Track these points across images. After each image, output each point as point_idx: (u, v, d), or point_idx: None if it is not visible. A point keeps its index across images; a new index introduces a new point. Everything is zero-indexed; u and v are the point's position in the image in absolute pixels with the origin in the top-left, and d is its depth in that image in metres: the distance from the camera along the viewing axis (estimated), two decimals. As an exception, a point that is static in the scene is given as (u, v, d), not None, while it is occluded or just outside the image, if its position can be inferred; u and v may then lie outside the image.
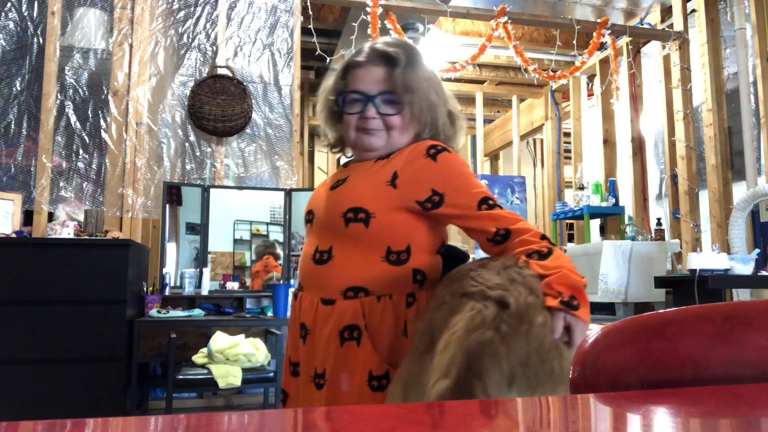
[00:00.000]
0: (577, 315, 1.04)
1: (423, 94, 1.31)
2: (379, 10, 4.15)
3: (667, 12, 5.02)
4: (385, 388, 1.17)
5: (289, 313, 1.46)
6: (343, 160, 1.49)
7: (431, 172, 1.23)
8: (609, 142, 5.47)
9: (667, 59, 4.91)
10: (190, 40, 3.81)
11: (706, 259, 3.56)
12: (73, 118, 3.52)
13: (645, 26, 5.11)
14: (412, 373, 1.08)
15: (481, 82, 6.79)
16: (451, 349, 0.98)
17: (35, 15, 3.53)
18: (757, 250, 3.73)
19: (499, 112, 7.80)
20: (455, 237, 7.91)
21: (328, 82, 1.40)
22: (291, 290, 1.38)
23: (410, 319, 1.22)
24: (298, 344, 1.29)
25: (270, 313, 3.34)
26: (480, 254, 1.29)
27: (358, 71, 1.32)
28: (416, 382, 1.05)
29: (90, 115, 3.55)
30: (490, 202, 1.22)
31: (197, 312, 3.20)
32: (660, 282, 3.99)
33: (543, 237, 1.19)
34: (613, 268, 4.26)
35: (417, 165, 1.24)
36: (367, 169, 1.29)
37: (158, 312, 3.08)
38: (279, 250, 3.77)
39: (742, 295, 4.02)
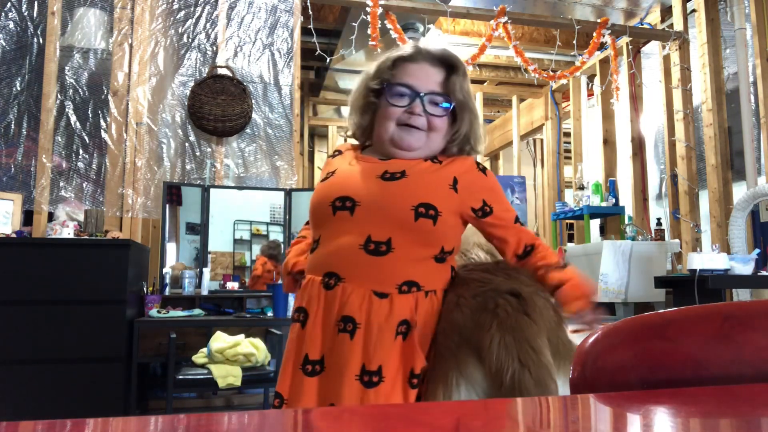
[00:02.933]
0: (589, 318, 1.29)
1: (469, 101, 1.35)
2: (379, 10, 4.15)
3: (667, 12, 5.02)
4: (418, 386, 1.18)
5: (292, 309, 1.34)
6: (338, 144, 1.50)
7: (484, 185, 1.33)
8: (609, 142, 5.47)
9: (667, 59, 4.91)
10: (190, 40, 3.81)
11: (706, 259, 3.55)
12: (73, 118, 3.52)
13: (645, 26, 5.11)
14: (452, 369, 1.17)
15: (481, 82, 6.79)
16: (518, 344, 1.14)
17: (35, 15, 3.53)
18: (757, 250, 3.73)
19: (499, 112, 7.80)
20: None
21: (369, 69, 1.40)
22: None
23: None
24: (332, 338, 1.21)
25: (270, 313, 3.34)
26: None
27: (411, 66, 1.32)
28: (463, 375, 1.16)
29: (90, 115, 3.55)
30: (520, 219, 1.37)
31: (197, 312, 3.20)
32: (660, 282, 3.98)
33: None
34: (613, 268, 4.26)
35: (472, 175, 1.32)
36: (423, 169, 1.31)
37: (158, 312, 3.08)
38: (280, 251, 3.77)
39: (742, 295, 4.02)
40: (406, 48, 1.36)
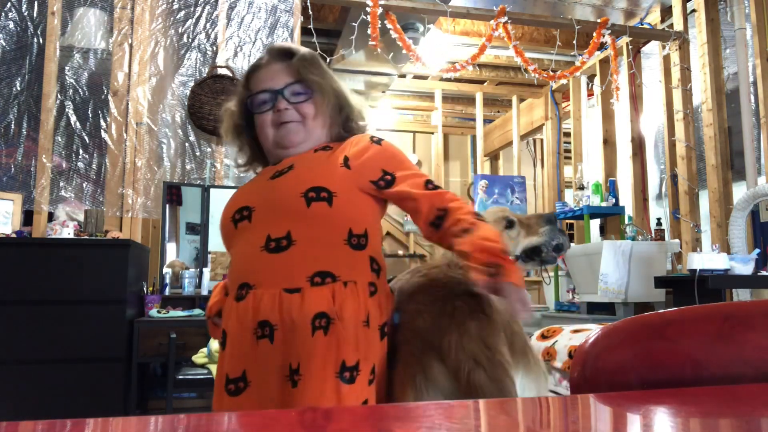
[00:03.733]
0: (499, 279, 1.11)
1: (328, 79, 1.35)
2: (379, 10, 4.14)
3: (667, 12, 5.02)
4: (356, 380, 1.13)
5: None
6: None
7: (380, 156, 1.28)
8: (609, 142, 5.47)
9: (667, 59, 4.91)
10: (190, 40, 3.81)
11: (706, 259, 3.55)
12: (73, 118, 3.52)
13: (645, 26, 5.11)
14: (418, 373, 1.19)
15: (481, 82, 6.78)
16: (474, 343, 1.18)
17: (35, 15, 3.53)
18: (757, 250, 3.73)
19: (499, 112, 7.80)
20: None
21: (229, 103, 1.43)
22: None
23: (372, 310, 1.20)
24: (253, 348, 1.16)
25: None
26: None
27: (259, 73, 1.34)
28: (428, 379, 1.18)
29: (90, 115, 3.55)
30: (434, 182, 1.29)
31: (197, 312, 3.20)
32: (660, 282, 3.98)
33: (475, 214, 1.25)
34: (613, 268, 4.26)
35: (364, 149, 1.28)
36: (311, 157, 1.30)
37: (158, 312, 3.08)
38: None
39: (742, 295, 4.02)
40: (254, 62, 1.38)
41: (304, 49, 1.37)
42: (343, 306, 1.16)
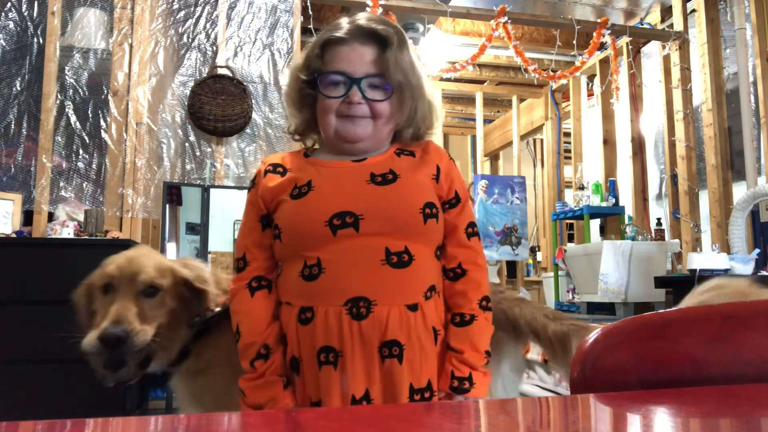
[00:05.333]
0: (467, 396, 1.12)
1: (414, 81, 1.20)
2: (379, 10, 4.14)
3: (667, 12, 5.02)
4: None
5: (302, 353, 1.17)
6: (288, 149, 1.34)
7: (459, 178, 1.25)
8: (609, 142, 5.47)
9: (667, 59, 4.91)
10: (190, 40, 3.81)
11: (706, 259, 3.55)
12: (73, 118, 3.52)
13: (645, 26, 5.11)
14: None
15: (481, 82, 6.78)
16: None
17: (35, 15, 3.53)
18: (757, 250, 3.73)
19: (499, 112, 7.80)
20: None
21: (299, 59, 1.26)
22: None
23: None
24: (379, 369, 1.09)
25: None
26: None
27: (341, 49, 1.17)
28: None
29: (90, 115, 3.55)
30: (475, 225, 1.25)
31: (197, 312, 3.20)
32: (660, 282, 3.98)
33: (484, 297, 1.21)
34: (613, 268, 4.26)
35: (450, 167, 1.25)
36: (408, 164, 1.21)
37: (158, 312, 3.08)
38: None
39: (742, 295, 4.02)
40: (334, 29, 1.19)
41: (394, 36, 1.18)
42: (441, 316, 1.19)
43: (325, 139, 1.25)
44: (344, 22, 1.20)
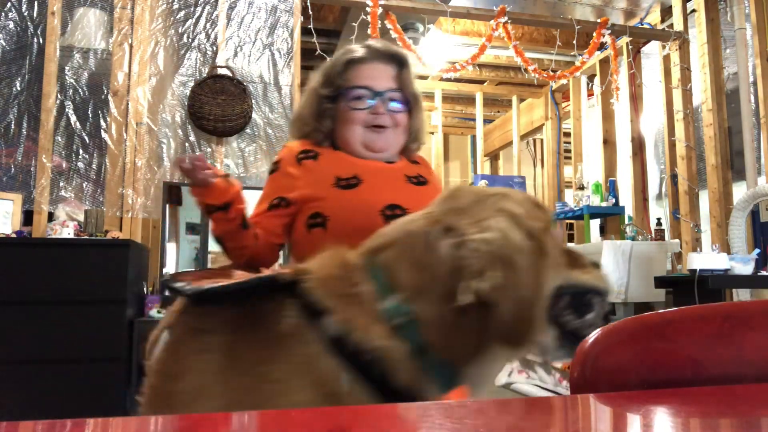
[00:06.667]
0: None
1: (419, 95, 1.38)
2: (379, 10, 4.14)
3: (667, 12, 5.02)
4: None
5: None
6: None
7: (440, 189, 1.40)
8: (609, 142, 5.46)
9: (667, 59, 4.91)
10: (190, 40, 3.81)
11: (706, 259, 3.55)
12: (73, 118, 3.52)
13: (645, 26, 5.11)
14: None
15: (481, 82, 6.78)
16: None
17: (35, 15, 3.53)
18: (757, 250, 3.73)
19: (499, 112, 7.80)
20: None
21: (316, 78, 1.39)
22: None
23: None
24: None
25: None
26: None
27: (362, 67, 1.33)
28: None
29: (90, 115, 3.54)
30: None
31: (197, 312, 3.20)
32: (660, 282, 3.98)
33: None
34: (613, 268, 4.26)
35: (438, 178, 1.42)
36: (427, 172, 1.38)
37: (158, 312, 3.08)
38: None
39: (742, 295, 4.02)
40: (354, 50, 1.36)
41: (407, 58, 1.38)
42: None
43: (345, 148, 1.34)
44: (359, 46, 1.37)
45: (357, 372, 0.78)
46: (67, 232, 3.08)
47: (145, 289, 3.24)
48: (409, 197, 1.23)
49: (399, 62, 1.35)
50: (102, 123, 3.55)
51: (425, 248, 0.86)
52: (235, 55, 3.87)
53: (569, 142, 6.20)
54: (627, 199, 5.21)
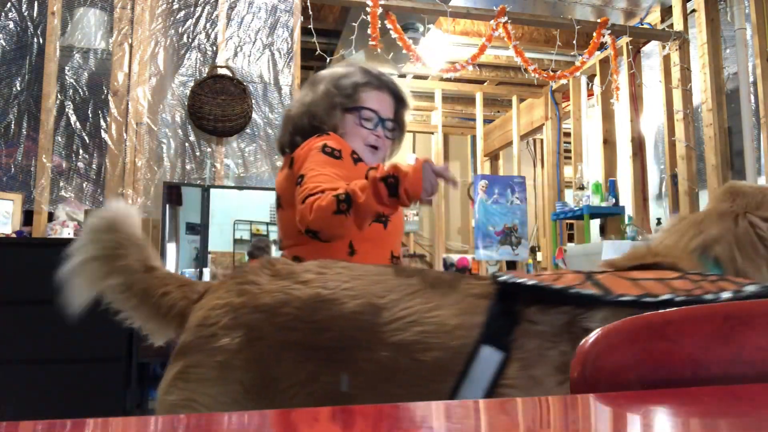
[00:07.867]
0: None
1: (404, 131, 1.65)
2: (379, 10, 4.14)
3: (667, 12, 5.02)
4: None
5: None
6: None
7: None
8: (609, 142, 5.46)
9: (667, 59, 4.91)
10: (190, 40, 3.81)
11: (706, 259, 3.55)
12: (73, 118, 3.52)
13: (645, 26, 5.11)
14: None
15: (481, 82, 6.78)
16: None
17: (35, 15, 3.53)
18: (757, 250, 3.73)
19: (499, 112, 7.80)
20: (455, 237, 7.91)
21: (330, 84, 1.57)
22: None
23: None
24: None
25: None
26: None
27: (376, 93, 1.56)
28: None
29: (90, 115, 3.54)
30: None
31: (197, 312, 3.20)
32: (660, 282, 3.97)
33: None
34: (613, 268, 4.25)
35: None
36: None
37: (158, 312, 3.08)
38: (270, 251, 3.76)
39: (742, 295, 4.02)
40: (370, 76, 1.57)
41: (408, 99, 1.64)
42: None
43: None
44: (376, 72, 1.59)
45: None
46: (67, 232, 3.08)
47: (145, 289, 3.23)
48: None
49: (401, 101, 1.61)
50: (102, 123, 3.55)
51: (758, 240, 1.00)
52: (235, 55, 3.87)
53: (569, 142, 6.20)
54: (627, 199, 5.21)
